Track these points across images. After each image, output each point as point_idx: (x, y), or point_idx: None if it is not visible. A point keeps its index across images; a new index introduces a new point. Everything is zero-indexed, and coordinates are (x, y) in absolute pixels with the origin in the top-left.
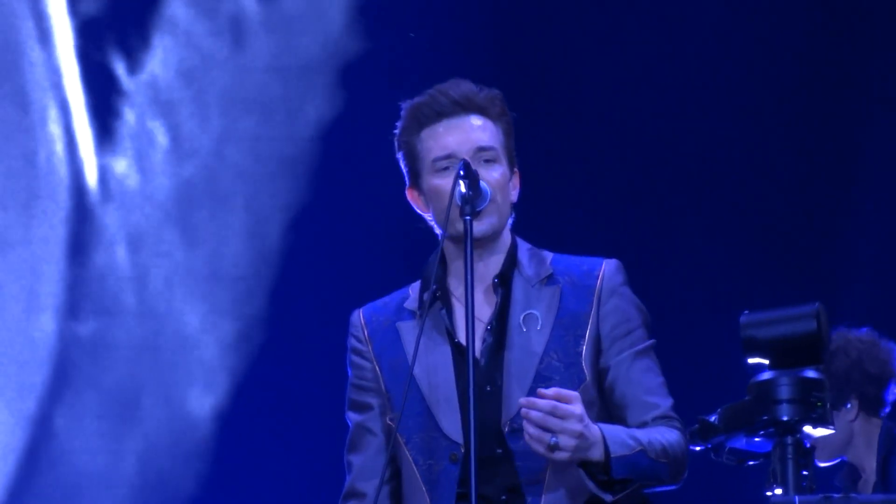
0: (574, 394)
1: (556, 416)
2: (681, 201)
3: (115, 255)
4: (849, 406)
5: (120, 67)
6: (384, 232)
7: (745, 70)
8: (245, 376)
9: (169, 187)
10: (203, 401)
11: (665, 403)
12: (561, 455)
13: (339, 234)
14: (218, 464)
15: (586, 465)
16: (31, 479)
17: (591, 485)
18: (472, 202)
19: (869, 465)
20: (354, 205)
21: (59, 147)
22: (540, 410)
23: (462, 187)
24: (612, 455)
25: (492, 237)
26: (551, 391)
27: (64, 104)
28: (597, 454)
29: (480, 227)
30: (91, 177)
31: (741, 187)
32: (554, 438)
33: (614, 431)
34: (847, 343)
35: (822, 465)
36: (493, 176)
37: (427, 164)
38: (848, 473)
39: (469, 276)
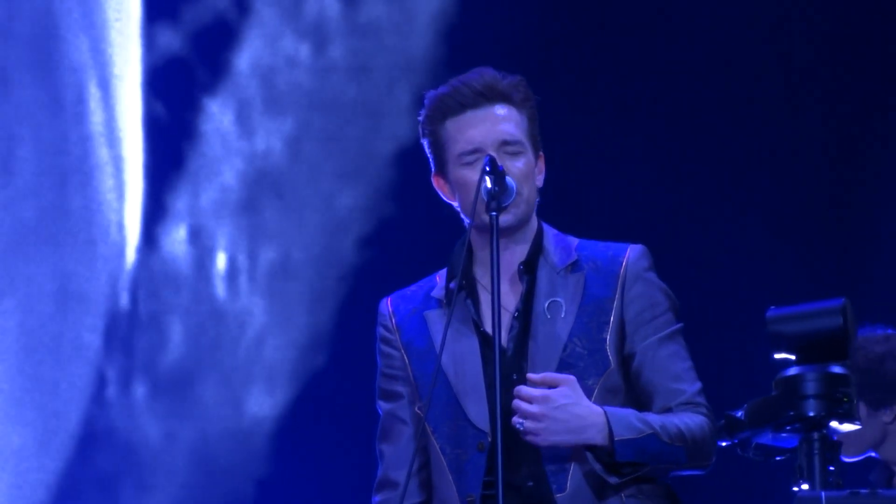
0: (564, 377)
1: (521, 398)
2: (709, 195)
3: (182, 247)
4: (888, 409)
5: (200, 63)
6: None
7: (776, 62)
8: (308, 379)
9: (241, 183)
10: (263, 400)
11: (691, 389)
12: (533, 439)
13: (412, 238)
14: (273, 466)
15: (593, 449)
16: (89, 457)
17: (597, 467)
18: (498, 198)
19: None
20: (430, 209)
21: (134, 131)
22: (516, 396)
23: (488, 182)
24: (616, 438)
25: (518, 227)
26: (538, 376)
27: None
28: (598, 438)
29: (506, 218)
30: (164, 166)
31: (770, 181)
32: (520, 422)
33: (621, 415)
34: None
35: (849, 460)
36: (519, 167)
37: (453, 156)
38: (882, 470)
39: (495, 271)
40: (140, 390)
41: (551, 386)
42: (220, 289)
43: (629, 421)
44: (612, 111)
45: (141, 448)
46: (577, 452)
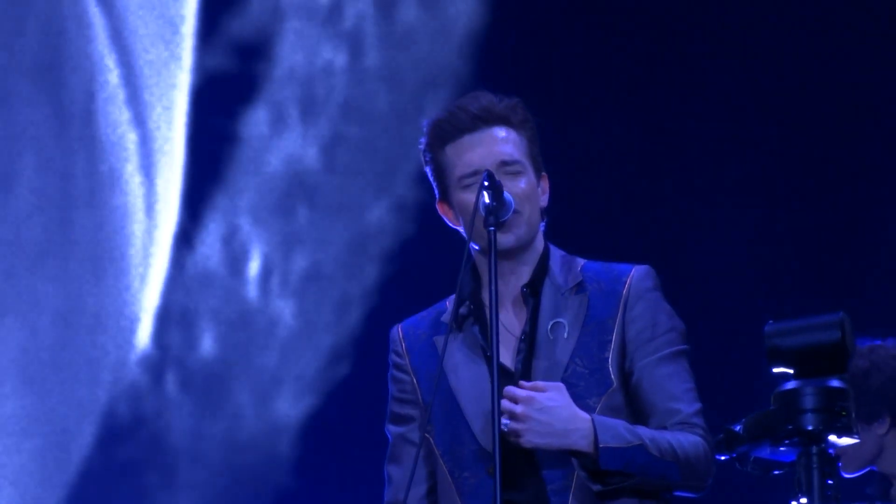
0: (552, 384)
1: (507, 398)
2: (707, 208)
3: (215, 251)
4: (881, 421)
5: (238, 68)
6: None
7: (775, 64)
8: (331, 387)
9: (273, 187)
10: (289, 405)
11: (688, 409)
12: (515, 440)
13: (442, 246)
14: (296, 471)
15: (578, 455)
16: (116, 447)
17: (582, 474)
18: (496, 213)
19: None
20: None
21: (174, 137)
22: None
23: (486, 198)
24: (601, 445)
25: (521, 249)
26: (528, 383)
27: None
28: (582, 443)
29: (507, 239)
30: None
31: (767, 191)
32: (505, 422)
33: (610, 424)
34: (880, 359)
35: (849, 476)
36: (520, 187)
37: (454, 181)
38: (880, 482)
39: (493, 288)
40: (170, 387)
41: (540, 391)
42: (252, 292)
43: (617, 430)
44: (622, 121)
45: (168, 445)
46: (577, 474)
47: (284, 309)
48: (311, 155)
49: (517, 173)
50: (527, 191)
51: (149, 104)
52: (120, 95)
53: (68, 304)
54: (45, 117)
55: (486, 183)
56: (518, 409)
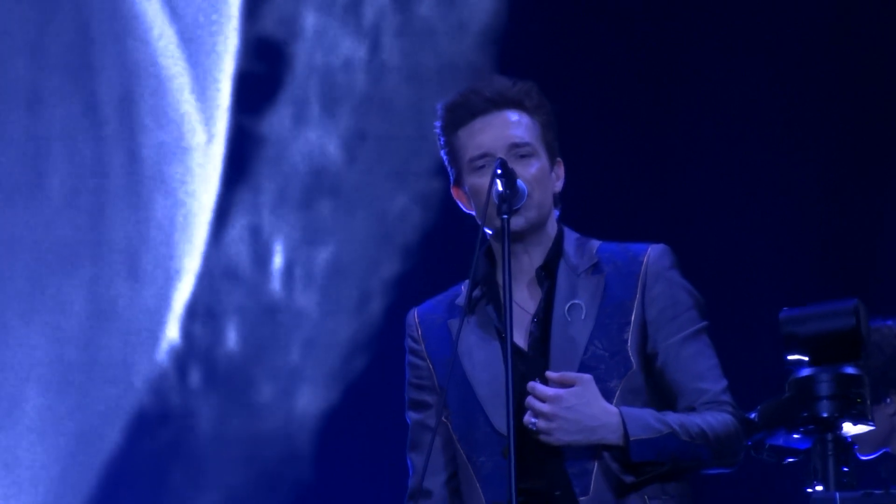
0: (580, 376)
1: (536, 396)
2: (721, 194)
3: (239, 245)
4: (888, 401)
5: (259, 66)
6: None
7: (784, 58)
8: (351, 381)
9: (295, 182)
10: (310, 399)
11: (715, 387)
12: (546, 438)
13: (463, 238)
14: (317, 465)
15: (609, 449)
16: (141, 441)
17: (614, 466)
18: (510, 200)
19: None
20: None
21: (197, 132)
22: (530, 393)
23: (499, 186)
24: (632, 438)
25: (531, 231)
26: (557, 375)
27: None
28: (612, 437)
29: (517, 221)
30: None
31: (780, 179)
32: (533, 421)
33: (638, 415)
34: (882, 338)
35: (865, 458)
36: (530, 171)
37: (465, 164)
38: (893, 464)
39: (507, 274)
40: (194, 381)
41: (567, 385)
42: (276, 286)
43: (646, 421)
44: (632, 112)
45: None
46: (600, 454)
47: (307, 303)
48: (332, 149)
49: (528, 156)
50: (537, 175)
51: (186, 102)
52: (157, 92)
53: (96, 299)
54: (77, 114)
55: (499, 171)
56: (546, 408)
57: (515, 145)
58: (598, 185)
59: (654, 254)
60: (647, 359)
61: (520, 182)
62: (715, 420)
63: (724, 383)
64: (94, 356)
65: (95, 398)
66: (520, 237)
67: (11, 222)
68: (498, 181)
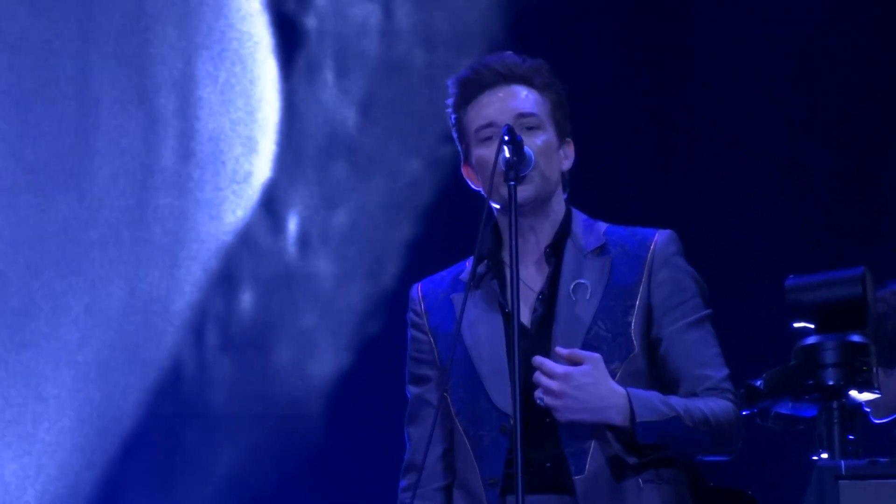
0: (590, 355)
1: (544, 373)
2: (727, 164)
3: (255, 212)
4: None
5: (272, 31)
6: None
7: (788, 53)
8: (373, 342)
9: (309, 146)
10: (325, 363)
11: (717, 375)
12: (559, 415)
13: (477, 202)
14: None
15: (613, 429)
16: (158, 404)
17: (617, 447)
18: (517, 167)
19: None
20: None
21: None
22: (538, 369)
23: (506, 152)
24: (638, 420)
25: (536, 203)
26: (566, 351)
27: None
28: (618, 418)
29: (523, 191)
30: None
31: (788, 153)
32: (540, 397)
33: (645, 397)
34: None
35: (879, 422)
36: (536, 142)
37: (472, 136)
38: None
39: (513, 243)
40: (211, 347)
41: (576, 363)
42: (292, 250)
43: (652, 403)
44: (638, 94)
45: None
46: (598, 434)
47: (322, 268)
48: (347, 113)
49: (535, 127)
50: (543, 147)
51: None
52: (198, 77)
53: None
54: (125, 97)
55: (506, 138)
56: (554, 385)
57: (522, 115)
58: (605, 169)
59: (661, 239)
60: (651, 343)
61: (527, 149)
62: (718, 406)
63: (726, 371)
64: (118, 323)
65: (115, 361)
66: (527, 211)
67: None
68: (505, 147)
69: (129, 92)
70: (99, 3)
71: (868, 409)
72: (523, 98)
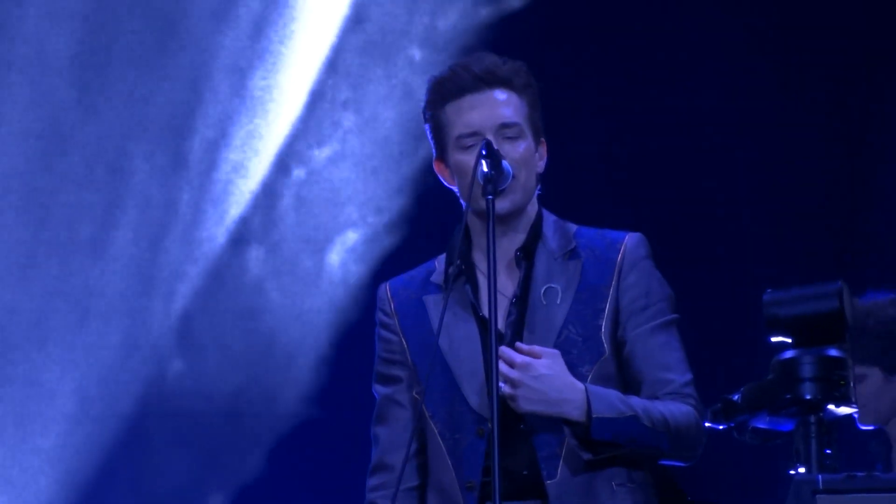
0: (549, 350)
1: (504, 360)
2: (703, 177)
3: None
4: None
5: None
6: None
7: (771, 51)
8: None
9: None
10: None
11: (680, 379)
12: (515, 405)
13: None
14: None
15: (570, 424)
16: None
17: (573, 442)
18: (495, 181)
19: None
20: None
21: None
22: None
23: (484, 166)
24: (594, 416)
25: (514, 213)
26: (526, 347)
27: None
28: (574, 413)
29: (502, 204)
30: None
31: (766, 163)
32: (501, 385)
33: (603, 394)
34: None
35: (865, 428)
36: (517, 152)
37: (452, 140)
38: (883, 441)
39: (492, 255)
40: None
41: (535, 356)
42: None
43: (610, 401)
44: (616, 93)
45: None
46: (569, 441)
47: (323, 227)
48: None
49: (516, 137)
50: (524, 155)
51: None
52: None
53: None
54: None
55: (484, 152)
56: (514, 374)
57: (505, 125)
58: (577, 170)
59: (631, 242)
60: (617, 346)
61: (505, 163)
62: (678, 411)
63: (689, 376)
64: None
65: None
66: (504, 219)
67: None
68: (483, 162)
69: None
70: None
71: (856, 414)
72: (504, 103)
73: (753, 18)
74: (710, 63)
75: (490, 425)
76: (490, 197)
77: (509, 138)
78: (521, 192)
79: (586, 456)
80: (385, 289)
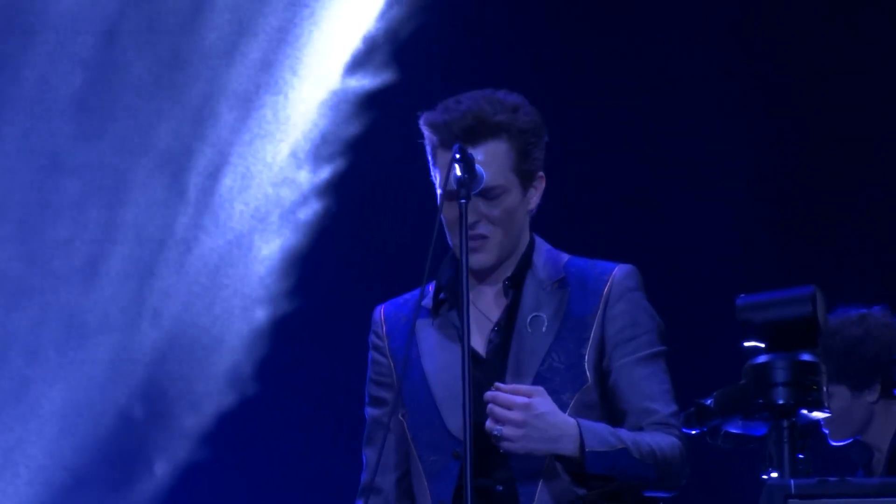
0: (534, 388)
1: (499, 404)
2: (684, 185)
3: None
4: (872, 389)
5: None
6: None
7: (752, 51)
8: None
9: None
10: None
11: (664, 410)
12: (508, 446)
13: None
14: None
15: (562, 459)
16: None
17: (566, 478)
18: (468, 185)
19: (884, 446)
20: None
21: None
22: (492, 402)
23: (457, 170)
24: (587, 450)
25: (491, 269)
26: (508, 387)
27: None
28: (569, 448)
29: (475, 260)
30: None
31: (744, 167)
32: (499, 429)
33: (594, 428)
34: (874, 327)
35: (837, 444)
36: (494, 213)
37: (440, 188)
38: (862, 450)
39: (464, 277)
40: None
41: (522, 395)
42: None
43: (602, 435)
44: (591, 118)
45: None
46: (549, 466)
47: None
48: None
49: (496, 197)
50: (502, 215)
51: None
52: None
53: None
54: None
55: (457, 156)
56: (516, 415)
57: (485, 190)
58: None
59: (619, 273)
60: (602, 376)
61: (478, 167)
62: (665, 442)
63: (674, 408)
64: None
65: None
66: (479, 273)
67: None
68: (456, 165)
69: None
70: None
71: (826, 431)
72: (486, 165)
73: (729, 22)
74: (683, 60)
75: (464, 449)
76: (463, 201)
77: (489, 199)
78: (499, 249)
79: (581, 491)
80: (379, 312)
